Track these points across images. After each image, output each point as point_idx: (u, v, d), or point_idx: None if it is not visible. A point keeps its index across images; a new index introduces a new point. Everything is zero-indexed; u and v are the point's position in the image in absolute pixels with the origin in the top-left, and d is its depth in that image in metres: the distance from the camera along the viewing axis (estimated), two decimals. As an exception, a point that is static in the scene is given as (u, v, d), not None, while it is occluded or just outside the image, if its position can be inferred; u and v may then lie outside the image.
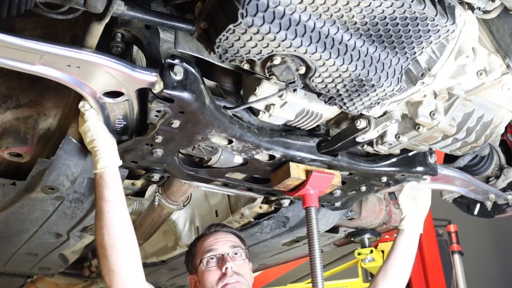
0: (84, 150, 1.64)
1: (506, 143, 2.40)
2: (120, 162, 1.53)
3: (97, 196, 1.51)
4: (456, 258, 5.16)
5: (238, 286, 1.87)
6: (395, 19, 1.17)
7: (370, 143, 1.71)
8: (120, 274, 1.48)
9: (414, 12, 1.16)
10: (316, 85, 1.33)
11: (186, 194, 2.09)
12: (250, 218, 2.41)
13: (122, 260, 1.49)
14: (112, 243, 1.47)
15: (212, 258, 1.93)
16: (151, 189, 1.98)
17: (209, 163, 1.70)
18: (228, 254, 1.93)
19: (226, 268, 1.88)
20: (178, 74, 1.30)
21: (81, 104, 1.42)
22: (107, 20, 1.18)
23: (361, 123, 1.56)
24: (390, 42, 1.25)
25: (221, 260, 1.92)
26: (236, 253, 1.95)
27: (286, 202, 2.06)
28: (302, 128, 1.69)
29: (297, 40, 1.15)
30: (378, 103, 1.43)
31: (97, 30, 1.23)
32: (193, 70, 1.32)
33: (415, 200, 2.16)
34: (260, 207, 2.32)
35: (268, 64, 1.25)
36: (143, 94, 1.38)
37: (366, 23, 1.18)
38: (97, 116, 1.43)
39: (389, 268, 2.09)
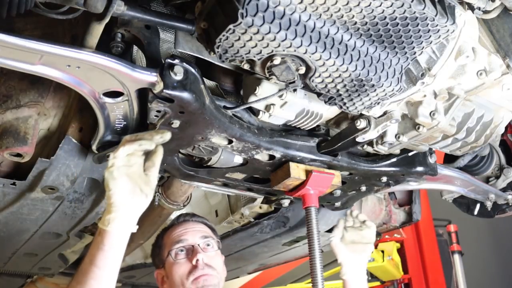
0: (84, 150, 1.64)
1: (506, 143, 2.40)
2: (134, 229, 1.33)
3: (88, 254, 1.29)
4: (456, 258, 5.16)
5: (210, 279, 1.74)
6: (395, 19, 1.17)
7: (370, 143, 1.71)
8: None
9: (414, 12, 1.16)
10: (316, 85, 1.33)
11: (186, 194, 2.10)
12: (250, 218, 2.41)
13: None
14: None
15: (181, 250, 1.78)
16: (151, 189, 1.98)
17: (209, 163, 1.70)
18: (199, 245, 1.79)
19: (197, 260, 1.74)
20: (178, 74, 1.30)
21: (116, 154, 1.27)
22: (107, 20, 1.18)
23: (361, 123, 1.56)
24: (390, 42, 1.25)
25: (191, 252, 1.77)
26: (208, 244, 1.82)
27: (286, 202, 2.06)
28: (302, 128, 1.69)
29: (297, 40, 1.15)
30: (378, 103, 1.43)
31: (97, 30, 1.23)
32: (193, 70, 1.32)
33: (352, 244, 1.93)
34: (260, 207, 2.32)
35: (268, 64, 1.25)
36: (143, 94, 1.38)
37: (366, 23, 1.18)
38: (125, 171, 1.27)
39: None
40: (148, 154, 1.33)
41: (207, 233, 1.87)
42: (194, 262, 1.74)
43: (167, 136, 1.31)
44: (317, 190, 1.75)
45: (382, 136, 1.65)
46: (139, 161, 1.31)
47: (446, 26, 1.21)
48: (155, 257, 1.91)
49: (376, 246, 4.39)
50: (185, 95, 1.30)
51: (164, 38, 1.49)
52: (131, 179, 1.28)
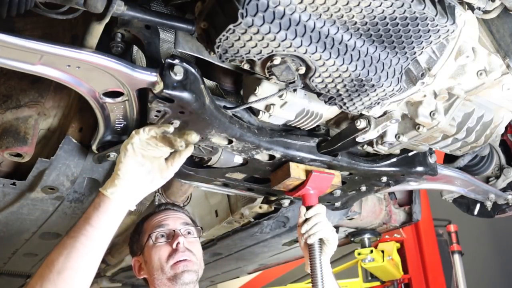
0: (84, 150, 1.64)
1: (506, 143, 2.40)
2: (133, 207, 1.33)
3: (84, 213, 1.32)
4: (456, 258, 5.15)
5: (190, 265, 1.70)
6: (395, 19, 1.17)
7: (370, 143, 1.71)
8: None
9: (414, 12, 1.16)
10: (316, 85, 1.33)
11: (186, 194, 2.10)
12: (250, 218, 2.41)
13: None
14: (63, 269, 1.21)
15: (162, 235, 1.75)
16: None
17: (209, 163, 1.70)
18: (180, 230, 1.77)
19: (178, 243, 1.72)
20: (178, 74, 1.30)
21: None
22: (107, 20, 1.18)
23: (361, 123, 1.56)
24: (390, 42, 1.25)
25: (172, 236, 1.75)
26: (189, 232, 1.80)
27: (286, 202, 2.06)
28: (302, 128, 1.69)
29: (297, 40, 1.15)
30: (378, 103, 1.43)
31: (97, 30, 1.23)
32: (193, 70, 1.32)
33: (323, 244, 1.73)
34: (260, 207, 2.32)
35: (268, 64, 1.25)
36: (143, 94, 1.38)
37: (366, 23, 1.18)
38: (142, 151, 1.29)
39: None
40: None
41: (188, 220, 1.86)
42: (174, 245, 1.72)
43: (193, 138, 1.32)
44: (317, 190, 1.75)
45: (382, 136, 1.65)
46: (160, 147, 1.32)
47: (446, 26, 1.21)
48: (134, 243, 1.88)
49: (376, 246, 4.39)
50: (185, 95, 1.30)
51: (164, 38, 1.49)
52: (145, 159, 1.30)
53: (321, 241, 1.69)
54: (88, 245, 1.25)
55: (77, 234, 1.26)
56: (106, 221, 1.29)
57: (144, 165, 1.31)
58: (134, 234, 1.90)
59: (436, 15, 1.18)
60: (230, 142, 1.56)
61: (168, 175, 1.35)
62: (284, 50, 1.18)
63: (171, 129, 1.31)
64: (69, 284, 1.22)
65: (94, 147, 1.54)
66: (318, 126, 1.73)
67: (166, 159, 1.36)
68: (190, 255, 1.73)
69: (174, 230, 1.77)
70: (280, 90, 1.46)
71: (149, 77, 1.29)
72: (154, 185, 1.35)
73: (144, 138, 1.30)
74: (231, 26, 1.09)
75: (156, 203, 2.05)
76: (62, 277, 1.21)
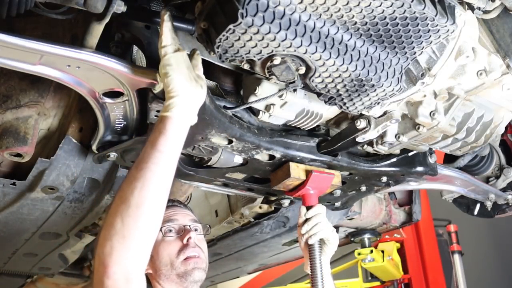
0: (84, 150, 1.64)
1: (506, 143, 2.40)
2: (194, 120, 1.28)
3: (147, 141, 1.24)
4: (456, 258, 5.15)
5: (200, 262, 1.66)
6: (395, 19, 1.17)
7: (370, 143, 1.71)
8: (130, 243, 1.17)
9: (414, 12, 1.16)
10: (316, 85, 1.33)
11: (186, 194, 2.10)
12: (250, 218, 2.41)
13: (142, 227, 1.18)
14: (140, 202, 1.17)
15: (171, 230, 1.70)
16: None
17: (209, 163, 1.70)
18: (189, 226, 1.73)
19: (189, 238, 1.67)
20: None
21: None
22: (107, 20, 1.19)
23: (361, 123, 1.56)
24: (390, 42, 1.25)
25: (182, 231, 1.70)
26: (196, 229, 1.76)
27: (286, 202, 2.06)
28: (302, 128, 1.69)
29: (297, 40, 1.15)
30: (378, 103, 1.43)
31: (97, 30, 1.23)
32: (193, 70, 1.32)
33: (323, 244, 1.73)
34: (260, 207, 2.32)
35: (268, 64, 1.25)
36: (143, 94, 1.38)
37: (366, 23, 1.18)
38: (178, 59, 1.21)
39: None
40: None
41: (195, 218, 1.83)
42: (185, 240, 1.67)
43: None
44: (317, 190, 1.75)
45: (382, 136, 1.65)
46: (184, 54, 1.26)
47: (446, 26, 1.21)
48: None
49: (376, 246, 4.39)
50: (185, 95, 1.29)
51: (164, 38, 1.49)
52: (186, 67, 1.24)
53: (321, 241, 1.69)
54: (160, 172, 1.21)
55: (146, 164, 1.20)
56: (172, 143, 1.23)
57: (187, 73, 1.24)
58: None
59: (436, 15, 1.18)
60: (230, 142, 1.56)
61: (203, 78, 1.29)
62: (284, 50, 1.18)
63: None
64: (148, 216, 1.19)
65: (94, 147, 1.54)
66: (318, 126, 1.73)
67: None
68: (200, 252, 1.69)
69: (184, 226, 1.72)
70: (280, 90, 1.46)
71: (149, 77, 1.29)
72: (203, 91, 1.28)
73: (171, 40, 1.22)
74: (231, 26, 1.09)
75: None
76: (141, 210, 1.17)
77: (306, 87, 1.38)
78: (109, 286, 1.18)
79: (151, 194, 1.19)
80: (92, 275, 3.17)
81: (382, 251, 4.39)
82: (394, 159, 1.86)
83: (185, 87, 1.22)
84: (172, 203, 1.83)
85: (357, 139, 1.61)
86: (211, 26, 1.17)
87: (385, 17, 1.17)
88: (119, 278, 1.17)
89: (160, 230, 1.67)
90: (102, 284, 1.18)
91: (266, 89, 1.47)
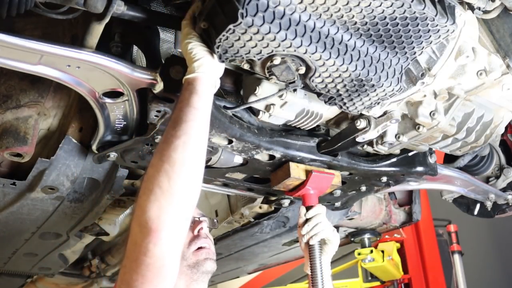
0: (84, 150, 1.64)
1: (506, 143, 2.40)
2: (215, 89, 1.28)
3: (179, 102, 1.22)
4: (456, 258, 5.15)
5: (211, 254, 1.66)
6: (395, 19, 1.17)
7: (370, 143, 1.71)
8: (181, 202, 1.14)
9: (414, 12, 1.16)
10: (316, 85, 1.33)
11: (186, 194, 2.08)
12: (250, 218, 2.41)
13: (188, 184, 1.15)
14: (185, 158, 1.15)
15: None
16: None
17: (209, 163, 1.70)
18: (198, 218, 1.72)
19: (201, 228, 1.67)
20: (178, 74, 1.30)
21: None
22: (107, 20, 1.19)
23: (361, 123, 1.56)
24: (390, 42, 1.25)
25: (192, 223, 1.68)
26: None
27: (286, 202, 2.06)
28: (302, 128, 1.69)
29: (297, 40, 1.15)
30: (378, 103, 1.43)
31: (97, 30, 1.23)
32: (193, 70, 1.32)
33: (324, 244, 1.73)
34: (260, 207, 2.32)
35: (268, 64, 1.25)
36: (143, 94, 1.38)
37: (366, 23, 1.18)
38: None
39: None
40: None
41: (202, 212, 1.81)
42: (196, 231, 1.66)
43: None
44: (317, 190, 1.75)
45: (382, 136, 1.65)
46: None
47: (446, 26, 1.21)
48: None
49: (376, 246, 4.38)
50: (185, 95, 1.29)
51: (164, 38, 1.49)
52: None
53: (322, 241, 1.69)
54: (199, 129, 1.20)
55: (185, 122, 1.18)
56: (205, 101, 1.22)
57: (205, 45, 1.24)
58: None
59: (436, 15, 1.18)
60: (230, 142, 1.56)
61: None
62: (284, 50, 1.18)
63: None
64: (193, 173, 1.17)
65: (94, 147, 1.55)
66: (318, 126, 1.73)
67: None
68: (210, 244, 1.69)
69: (194, 217, 1.70)
70: (280, 90, 1.46)
71: (149, 77, 1.30)
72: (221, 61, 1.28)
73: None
74: (231, 26, 1.09)
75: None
76: (186, 167, 1.15)
77: (306, 87, 1.38)
78: (157, 254, 1.13)
79: (194, 150, 1.17)
80: (93, 274, 3.19)
81: (382, 251, 4.39)
82: (394, 159, 1.86)
83: (207, 52, 1.23)
84: None
85: (357, 139, 1.61)
86: (211, 26, 1.17)
87: (385, 17, 1.17)
88: (169, 244, 1.14)
89: None
90: (146, 253, 1.13)
91: (266, 89, 1.47)
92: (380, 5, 1.13)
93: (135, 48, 1.44)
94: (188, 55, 1.23)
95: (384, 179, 1.93)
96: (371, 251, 4.10)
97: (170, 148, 1.16)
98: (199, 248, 1.64)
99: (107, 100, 1.38)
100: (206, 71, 1.22)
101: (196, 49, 1.22)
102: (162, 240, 1.12)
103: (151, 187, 1.14)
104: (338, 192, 1.99)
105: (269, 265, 3.42)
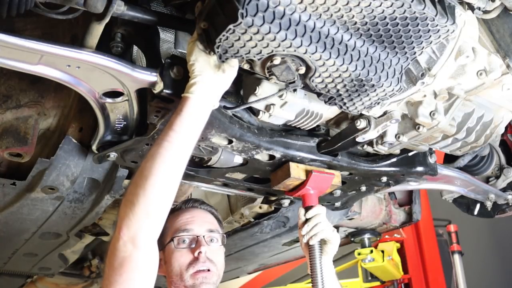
0: (84, 150, 1.64)
1: (506, 143, 2.40)
2: (215, 106, 1.34)
3: (168, 120, 1.31)
4: (456, 258, 5.15)
5: (209, 277, 1.66)
6: (395, 19, 1.17)
7: (370, 143, 1.71)
8: (138, 210, 1.26)
9: (414, 12, 1.16)
10: (316, 85, 1.33)
11: (186, 194, 2.09)
12: (250, 218, 2.41)
13: (149, 197, 1.26)
14: (150, 174, 1.26)
15: (184, 241, 1.70)
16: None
17: (209, 163, 1.70)
18: (203, 236, 1.72)
19: (200, 252, 1.67)
20: (178, 74, 1.30)
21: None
22: (107, 20, 1.19)
23: (361, 123, 1.56)
24: (390, 42, 1.25)
25: (195, 243, 1.70)
26: (212, 240, 1.74)
27: (286, 202, 2.06)
28: (302, 128, 1.69)
29: (297, 40, 1.15)
30: (378, 103, 1.43)
31: (97, 30, 1.23)
32: (193, 70, 1.32)
33: (324, 244, 1.74)
34: (260, 207, 2.32)
35: (268, 64, 1.25)
36: (143, 94, 1.38)
37: (366, 23, 1.18)
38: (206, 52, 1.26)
39: None
40: None
41: (213, 225, 1.80)
42: (196, 254, 1.68)
43: None
44: (317, 190, 1.75)
45: (382, 136, 1.65)
46: None
47: (446, 26, 1.21)
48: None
49: (376, 246, 4.39)
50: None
51: (164, 38, 1.49)
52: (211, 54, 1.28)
53: (322, 241, 1.69)
54: (173, 150, 1.27)
55: (160, 141, 1.28)
56: (188, 124, 1.28)
57: (210, 56, 1.28)
58: None
59: (436, 15, 1.18)
60: (230, 142, 1.56)
61: (231, 63, 1.30)
62: (284, 50, 1.18)
63: None
64: (155, 188, 1.27)
65: (94, 147, 1.55)
66: (318, 126, 1.73)
67: None
68: (211, 266, 1.69)
69: (197, 237, 1.72)
70: (280, 90, 1.46)
71: (149, 77, 1.30)
72: (227, 76, 1.32)
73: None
74: (231, 26, 1.09)
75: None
76: (149, 182, 1.26)
77: (306, 87, 1.38)
78: (118, 248, 1.27)
79: (161, 168, 1.26)
80: (93, 274, 3.19)
81: (382, 251, 4.40)
82: (394, 159, 1.86)
83: (207, 70, 1.27)
84: (192, 204, 1.82)
85: (357, 139, 1.61)
86: (211, 26, 1.17)
87: (385, 17, 1.17)
88: (127, 241, 1.26)
89: (173, 240, 1.71)
90: (113, 246, 1.28)
91: (266, 89, 1.47)
92: (380, 5, 1.13)
93: (135, 48, 1.44)
94: (189, 68, 1.28)
95: (384, 179, 1.93)
96: (371, 251, 4.10)
97: (144, 162, 1.29)
98: (197, 271, 1.66)
99: (107, 100, 1.38)
100: (198, 94, 1.27)
101: (197, 63, 1.27)
102: (123, 237, 1.28)
103: (126, 192, 1.31)
104: (338, 192, 1.99)
105: (269, 265, 3.42)
